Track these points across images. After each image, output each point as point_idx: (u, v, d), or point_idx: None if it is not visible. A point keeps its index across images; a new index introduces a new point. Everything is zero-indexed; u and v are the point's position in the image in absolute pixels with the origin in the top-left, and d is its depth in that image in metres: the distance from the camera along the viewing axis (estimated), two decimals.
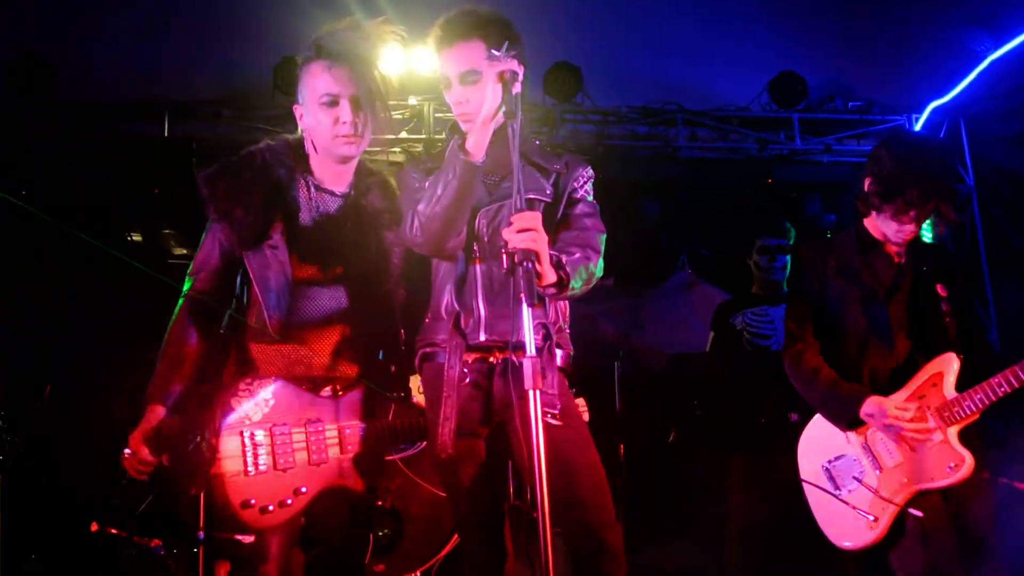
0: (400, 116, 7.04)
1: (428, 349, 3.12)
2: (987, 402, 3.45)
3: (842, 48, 7.20)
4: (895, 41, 6.93)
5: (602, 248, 3.07)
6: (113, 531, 5.03)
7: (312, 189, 3.22)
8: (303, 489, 3.07)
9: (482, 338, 3.00)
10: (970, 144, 7.06)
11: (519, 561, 3.13)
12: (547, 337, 2.97)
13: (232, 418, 3.03)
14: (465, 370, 3.02)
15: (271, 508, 3.00)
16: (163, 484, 3.10)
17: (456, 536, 4.92)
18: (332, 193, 3.25)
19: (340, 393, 3.21)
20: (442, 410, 2.97)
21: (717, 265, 7.15)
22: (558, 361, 3.03)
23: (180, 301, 3.18)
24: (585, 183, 3.18)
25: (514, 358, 2.56)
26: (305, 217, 3.18)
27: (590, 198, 3.18)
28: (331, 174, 3.26)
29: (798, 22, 7.20)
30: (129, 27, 6.57)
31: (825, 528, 3.68)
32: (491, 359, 3.04)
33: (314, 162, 3.25)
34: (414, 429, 3.30)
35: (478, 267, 3.05)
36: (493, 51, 2.85)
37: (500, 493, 3.15)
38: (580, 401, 3.31)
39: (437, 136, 6.86)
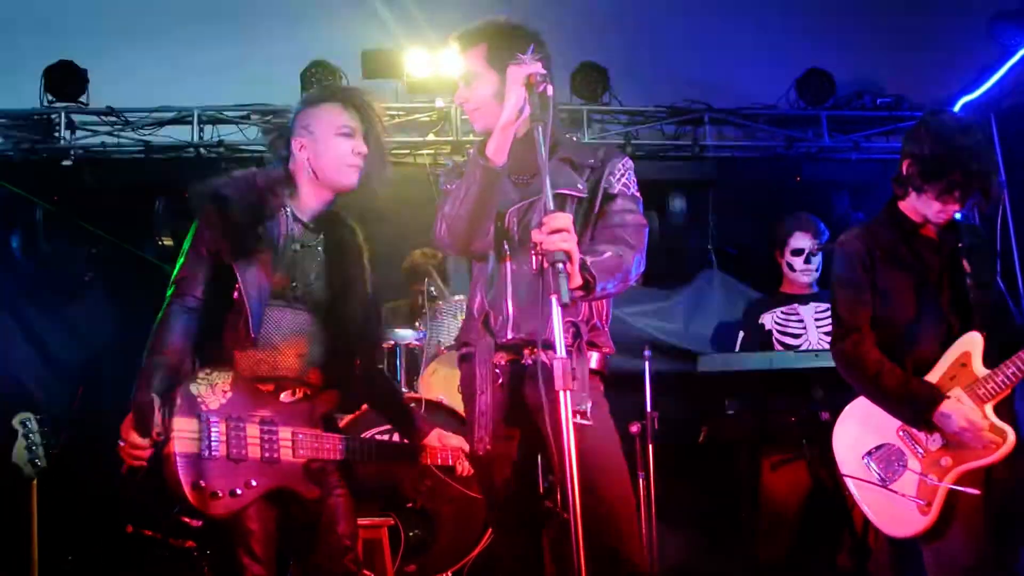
0: (428, 118, 7.07)
1: (464, 349, 3.15)
2: (1020, 376, 3.43)
3: (870, 44, 7.17)
4: (924, 36, 6.89)
5: (642, 243, 3.03)
6: (147, 532, 5.08)
7: (290, 218, 3.37)
8: (253, 483, 3.11)
9: (510, 336, 3.01)
10: (1001, 140, 7.00)
11: (555, 564, 3.13)
12: (577, 336, 2.98)
13: (189, 399, 3.09)
14: (498, 370, 3.03)
15: (220, 494, 3.04)
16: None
17: (487, 536, 4.94)
18: (306, 225, 3.42)
19: (299, 399, 3.32)
20: (476, 408, 3.01)
21: (746, 264, 7.12)
22: (592, 363, 3.04)
23: (167, 300, 3.29)
24: (622, 176, 3.13)
25: (544, 358, 2.57)
26: (281, 241, 3.33)
27: (631, 191, 3.12)
28: (312, 207, 3.43)
29: (825, 18, 7.17)
30: (160, 34, 6.64)
31: (876, 520, 3.59)
32: (523, 360, 3.05)
33: (302, 193, 3.42)
34: (366, 449, 3.42)
35: (508, 266, 3.06)
36: (519, 55, 2.89)
37: (536, 494, 3.15)
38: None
39: (464, 139, 6.89)
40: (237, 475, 3.10)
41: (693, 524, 5.50)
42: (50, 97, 6.66)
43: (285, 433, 3.22)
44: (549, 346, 2.54)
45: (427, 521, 5.07)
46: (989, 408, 3.46)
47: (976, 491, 3.41)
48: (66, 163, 6.72)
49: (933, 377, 3.55)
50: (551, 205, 2.64)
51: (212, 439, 3.08)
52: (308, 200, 3.42)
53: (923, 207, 3.63)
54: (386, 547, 4.76)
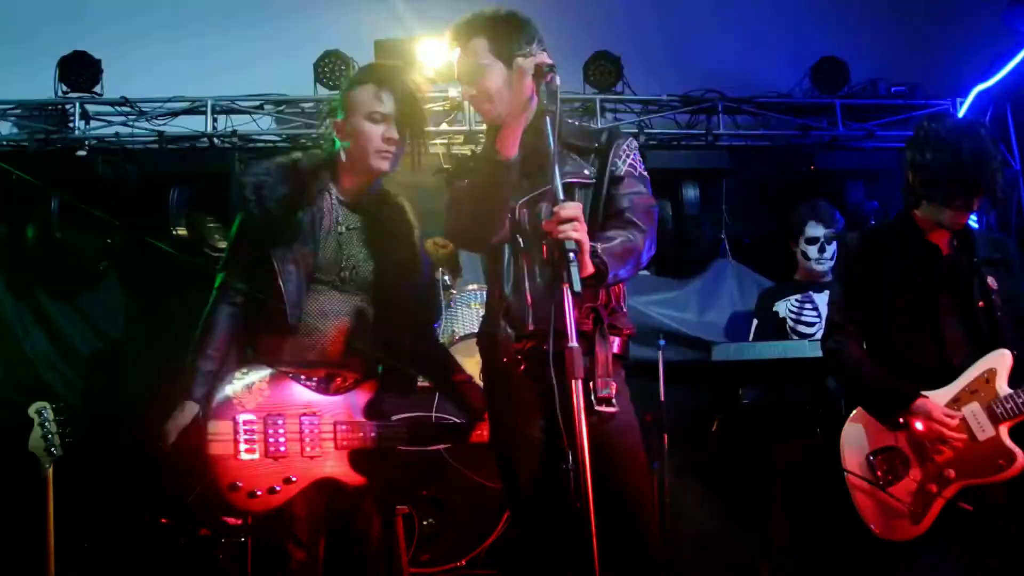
0: (441, 108, 7.07)
1: (485, 341, 3.15)
2: None
3: (884, 32, 7.14)
4: (938, 24, 6.85)
5: (652, 223, 3.03)
6: (164, 520, 5.12)
7: (335, 201, 3.38)
8: (293, 478, 3.14)
9: (531, 327, 3.01)
10: (1016, 127, 6.96)
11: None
12: (598, 321, 2.98)
13: (224, 402, 3.13)
14: (519, 358, 3.03)
15: (259, 493, 3.08)
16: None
17: (500, 526, 4.95)
18: (351, 207, 3.42)
19: (345, 388, 3.34)
20: (496, 399, 3.04)
21: (759, 253, 7.10)
22: (614, 348, 3.03)
23: (213, 295, 3.33)
24: (628, 156, 3.11)
25: (565, 346, 2.56)
26: (324, 225, 3.34)
27: (637, 171, 3.11)
28: (356, 189, 3.43)
29: (839, 6, 7.14)
30: (174, 25, 6.65)
31: (869, 520, 3.62)
32: (543, 348, 3.04)
33: (343, 176, 3.42)
34: (424, 432, 3.41)
35: (523, 257, 3.06)
36: (523, 47, 2.90)
37: (557, 485, 3.15)
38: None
39: (477, 128, 6.89)
40: (276, 473, 3.12)
41: (706, 513, 5.50)
42: (64, 88, 6.68)
43: (327, 425, 3.23)
44: (567, 336, 2.54)
45: (441, 510, 5.08)
46: (1004, 429, 3.43)
47: (969, 508, 3.41)
48: (80, 153, 6.74)
49: (953, 390, 3.53)
50: (561, 195, 2.65)
51: (248, 439, 3.11)
52: (349, 182, 3.42)
53: (936, 214, 3.62)
54: (400, 536, 4.77)
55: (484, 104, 3.09)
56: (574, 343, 2.51)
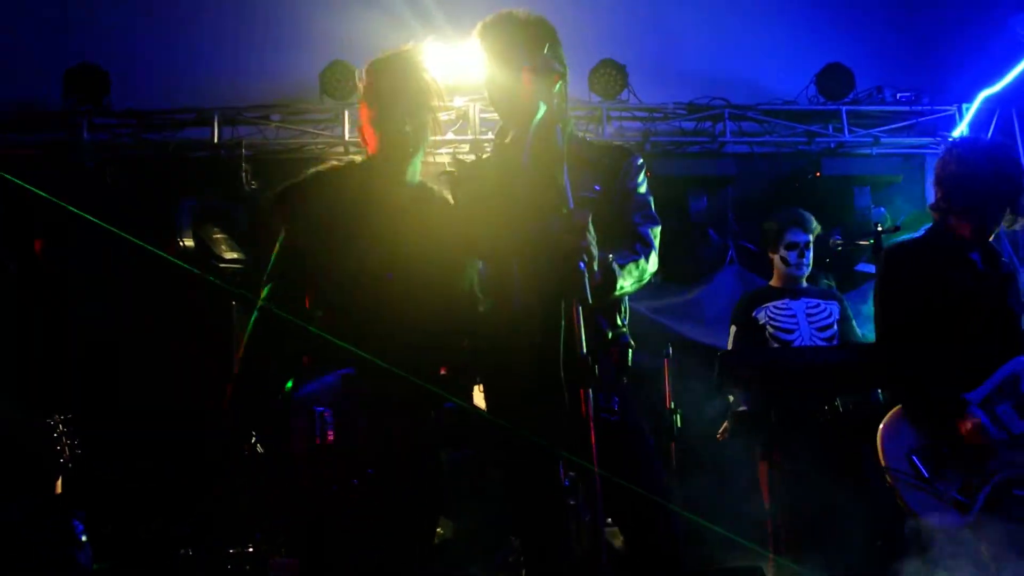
0: (446, 118, 7.08)
1: (489, 351, 3.15)
2: None
3: (889, 38, 7.15)
4: (943, 30, 6.86)
5: (655, 242, 3.04)
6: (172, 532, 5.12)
7: (377, 194, 3.27)
8: (370, 471, 3.11)
9: (538, 337, 3.00)
10: (1022, 132, 6.97)
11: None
12: (600, 332, 2.98)
13: (300, 395, 3.09)
14: (525, 368, 3.02)
15: (335, 488, 3.04)
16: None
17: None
18: (391, 200, 3.29)
19: (386, 380, 3.23)
20: (501, 409, 3.06)
21: (765, 260, 7.10)
22: (616, 358, 3.04)
23: (256, 310, 3.26)
24: (635, 175, 3.14)
25: (574, 355, 2.56)
26: (367, 219, 3.24)
27: (642, 189, 3.13)
28: (389, 174, 3.31)
29: (844, 13, 7.15)
30: (180, 36, 6.68)
31: (920, 512, 3.64)
32: (551, 357, 3.04)
33: (376, 170, 3.31)
34: (466, 434, 3.35)
35: (529, 267, 3.06)
36: (539, 53, 2.88)
37: (563, 492, 3.15)
38: None
39: (483, 137, 6.90)
40: (351, 466, 3.07)
41: (714, 519, 5.50)
42: (71, 99, 6.70)
43: (391, 424, 3.16)
44: (572, 346, 2.54)
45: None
46: None
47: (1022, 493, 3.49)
48: (89, 164, 6.76)
49: (985, 390, 3.63)
50: (571, 205, 2.65)
51: (327, 433, 3.06)
52: (383, 176, 3.32)
53: (961, 228, 3.75)
54: None
55: (507, 105, 3.09)
56: (584, 352, 2.51)
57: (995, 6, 6.63)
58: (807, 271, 5.33)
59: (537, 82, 2.83)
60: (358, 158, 3.44)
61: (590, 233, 2.61)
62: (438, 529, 5.03)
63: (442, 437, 3.29)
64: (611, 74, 6.94)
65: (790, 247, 5.30)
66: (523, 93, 2.91)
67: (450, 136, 7.09)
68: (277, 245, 3.29)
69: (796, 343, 5.12)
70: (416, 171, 3.35)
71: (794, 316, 5.20)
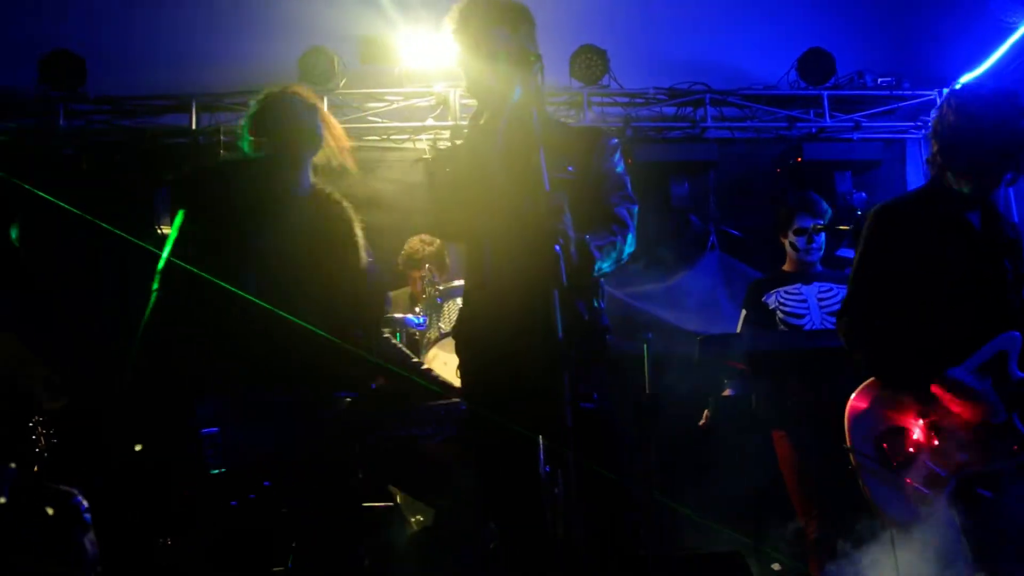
0: (426, 103, 7.05)
1: (464, 334, 3.14)
2: None
3: (871, 23, 7.13)
4: (924, 14, 6.85)
5: (633, 221, 3.04)
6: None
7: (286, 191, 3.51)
8: (266, 484, 3.22)
9: (512, 319, 2.99)
10: None
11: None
12: (578, 316, 2.97)
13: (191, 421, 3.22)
14: (500, 351, 3.01)
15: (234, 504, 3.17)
16: None
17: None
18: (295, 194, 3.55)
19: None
20: (475, 394, 3.05)
21: (747, 245, 7.11)
22: (595, 343, 3.02)
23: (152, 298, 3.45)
24: (610, 155, 3.13)
25: (551, 338, 2.55)
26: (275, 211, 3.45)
27: (619, 169, 3.13)
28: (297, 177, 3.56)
29: None
30: (156, 20, 6.62)
31: (878, 501, 3.47)
32: (526, 341, 3.02)
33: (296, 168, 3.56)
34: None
35: (504, 249, 3.04)
36: (514, 37, 2.87)
37: (538, 477, 3.13)
38: None
39: (463, 123, 6.86)
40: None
41: (695, 506, 5.50)
42: (45, 86, 6.63)
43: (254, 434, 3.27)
44: (548, 330, 2.53)
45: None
46: (1017, 414, 3.36)
47: (988, 493, 3.33)
48: (65, 151, 6.70)
49: (969, 366, 3.43)
50: (547, 187, 2.63)
51: None
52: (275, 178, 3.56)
53: (959, 184, 3.52)
54: None
55: (483, 89, 3.07)
56: (560, 335, 2.50)
57: None
58: (819, 255, 5.31)
59: (512, 65, 2.82)
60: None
61: (566, 215, 2.60)
62: (419, 516, 5.03)
63: (340, 430, 3.34)
64: (591, 59, 6.91)
65: (799, 232, 5.28)
66: (498, 76, 2.89)
67: (430, 122, 7.06)
68: (174, 229, 3.45)
69: (807, 327, 5.10)
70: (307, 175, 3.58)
71: (805, 301, 5.18)
